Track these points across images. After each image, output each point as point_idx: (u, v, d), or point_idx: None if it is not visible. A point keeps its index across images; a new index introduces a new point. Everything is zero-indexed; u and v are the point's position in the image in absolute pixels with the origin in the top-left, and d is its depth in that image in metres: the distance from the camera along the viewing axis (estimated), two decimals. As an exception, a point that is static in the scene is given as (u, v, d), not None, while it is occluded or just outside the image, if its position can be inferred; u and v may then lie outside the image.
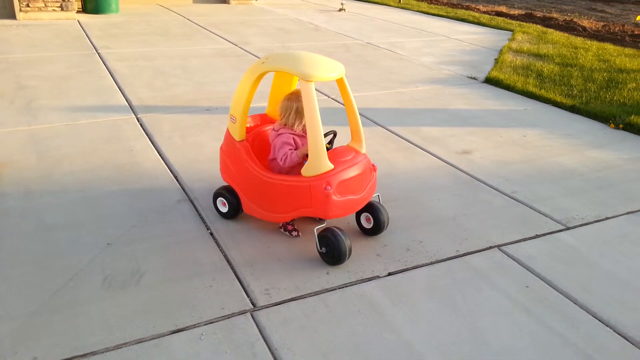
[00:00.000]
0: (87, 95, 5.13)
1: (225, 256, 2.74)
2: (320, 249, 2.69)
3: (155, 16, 9.86)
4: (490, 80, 6.41)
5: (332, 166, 2.64)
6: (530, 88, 6.05)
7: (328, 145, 2.91)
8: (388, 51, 7.93)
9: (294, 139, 2.83)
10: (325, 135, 2.86)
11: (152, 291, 2.44)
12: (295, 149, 2.81)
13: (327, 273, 2.64)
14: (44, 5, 8.68)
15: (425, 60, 7.43)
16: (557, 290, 2.62)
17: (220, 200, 3.04)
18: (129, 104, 4.94)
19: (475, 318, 2.40)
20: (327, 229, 2.67)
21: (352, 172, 2.73)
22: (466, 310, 2.45)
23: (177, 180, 3.52)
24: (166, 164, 3.74)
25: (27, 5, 8.55)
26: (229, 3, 12.13)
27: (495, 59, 7.57)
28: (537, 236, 3.09)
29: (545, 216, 3.32)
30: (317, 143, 2.59)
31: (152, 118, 4.62)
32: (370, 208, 2.93)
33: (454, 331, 2.32)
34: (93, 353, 2.06)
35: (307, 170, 2.65)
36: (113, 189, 3.35)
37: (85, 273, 2.53)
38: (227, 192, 3.00)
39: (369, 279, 2.62)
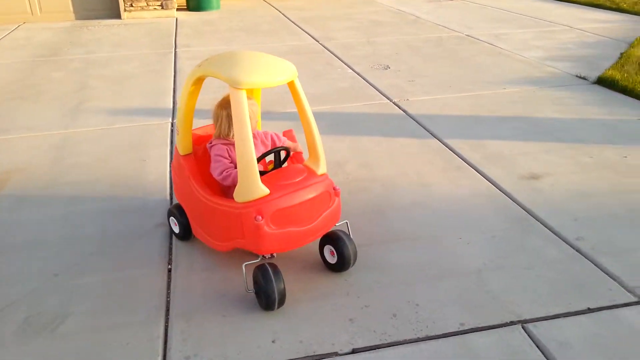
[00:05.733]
0: (139, 97, 5.04)
1: (167, 302, 2.31)
2: (248, 289, 2.23)
3: (252, 12, 9.78)
4: (602, 81, 5.18)
5: (267, 191, 2.14)
6: (655, 91, 4.76)
7: (270, 166, 2.50)
8: (488, 45, 6.91)
9: (227, 150, 2.39)
10: (270, 152, 2.39)
11: (61, 343, 2.09)
12: (231, 162, 2.37)
13: (273, 341, 2.08)
14: (146, 4, 9.01)
15: (529, 56, 6.31)
16: (591, 408, 1.79)
17: (172, 219, 2.71)
18: (173, 107, 4.75)
19: None
20: (258, 266, 2.19)
21: (296, 198, 2.20)
22: (439, 422, 1.75)
23: (170, 198, 3.18)
24: (170, 179, 3.42)
25: (131, 5, 8.94)
26: (333, -4, 11.70)
27: (621, 54, 6.19)
28: (588, 310, 2.21)
29: (613, 279, 2.39)
30: (246, 162, 2.11)
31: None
32: (333, 240, 2.39)
33: None
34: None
35: (237, 194, 2.18)
36: (100, 206, 3.10)
37: (10, 310, 2.26)
38: (177, 211, 2.65)
39: (322, 357, 2.01)
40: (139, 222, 2.92)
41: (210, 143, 2.46)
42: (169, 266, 2.55)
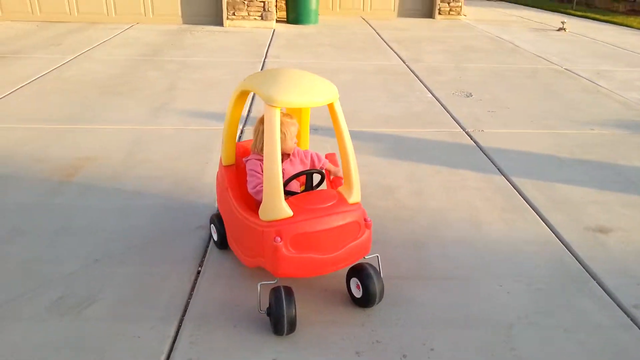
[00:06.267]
0: (219, 102, 5.27)
1: (187, 304, 2.37)
2: (260, 310, 2.19)
3: (348, 29, 9.90)
4: None
5: (290, 213, 2.10)
6: None
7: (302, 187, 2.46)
8: (586, 81, 6.46)
9: (260, 165, 2.38)
10: (302, 173, 2.36)
11: (84, 325, 2.21)
12: None
13: (274, 360, 2.06)
14: (247, 14, 9.44)
15: (631, 97, 5.80)
16: None
17: (212, 226, 2.76)
18: (247, 115, 4.91)
19: None
20: (273, 289, 2.16)
21: (320, 224, 2.14)
22: None
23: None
24: (223, 183, 3.52)
25: (233, 14, 9.42)
26: (434, 18, 11.57)
27: None
28: (627, 392, 1.96)
29: (667, 361, 2.11)
30: (272, 181, 2.09)
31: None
32: (360, 274, 2.29)
33: None
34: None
35: (261, 212, 2.17)
36: (155, 202, 3.26)
37: (48, 287, 2.44)
38: (217, 220, 2.70)
39: (318, 385, 1.95)
40: (185, 221, 3.04)
41: (247, 157, 2.50)
42: (199, 268, 2.63)
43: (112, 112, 4.85)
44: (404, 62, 7.21)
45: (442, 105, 5.37)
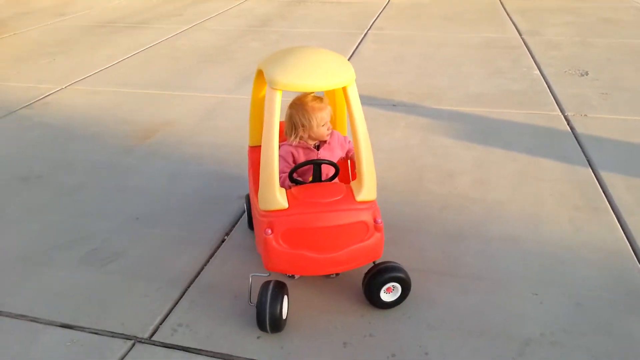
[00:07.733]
0: (306, 73, 5.25)
1: (200, 270, 2.42)
2: (250, 302, 2.10)
3: (469, -2, 9.20)
4: None
5: (284, 205, 1.97)
6: None
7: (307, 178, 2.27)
8: None
9: (292, 153, 2.24)
10: (307, 163, 2.18)
11: (103, 278, 2.38)
12: (293, 164, 2.24)
13: (258, 337, 2.03)
14: (362, -17, 9.21)
15: None
16: None
17: (245, 204, 2.74)
18: (328, 87, 4.83)
19: None
20: (265, 282, 2.04)
21: (317, 221, 1.97)
22: None
23: (267, 174, 3.29)
24: (278, 155, 3.52)
25: (348, -16, 9.24)
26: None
27: None
28: None
29: None
30: (267, 169, 1.95)
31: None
32: (393, 275, 2.10)
33: None
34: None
35: (259, 201, 2.04)
36: (211, 169, 3.36)
37: (86, 239, 2.65)
38: (247, 199, 2.67)
39: (292, 371, 1.89)
40: (228, 190, 3.10)
41: (282, 142, 2.29)
42: (225, 237, 2.67)
43: (202, 80, 5.09)
44: (520, 35, 6.54)
45: (547, 83, 4.80)
